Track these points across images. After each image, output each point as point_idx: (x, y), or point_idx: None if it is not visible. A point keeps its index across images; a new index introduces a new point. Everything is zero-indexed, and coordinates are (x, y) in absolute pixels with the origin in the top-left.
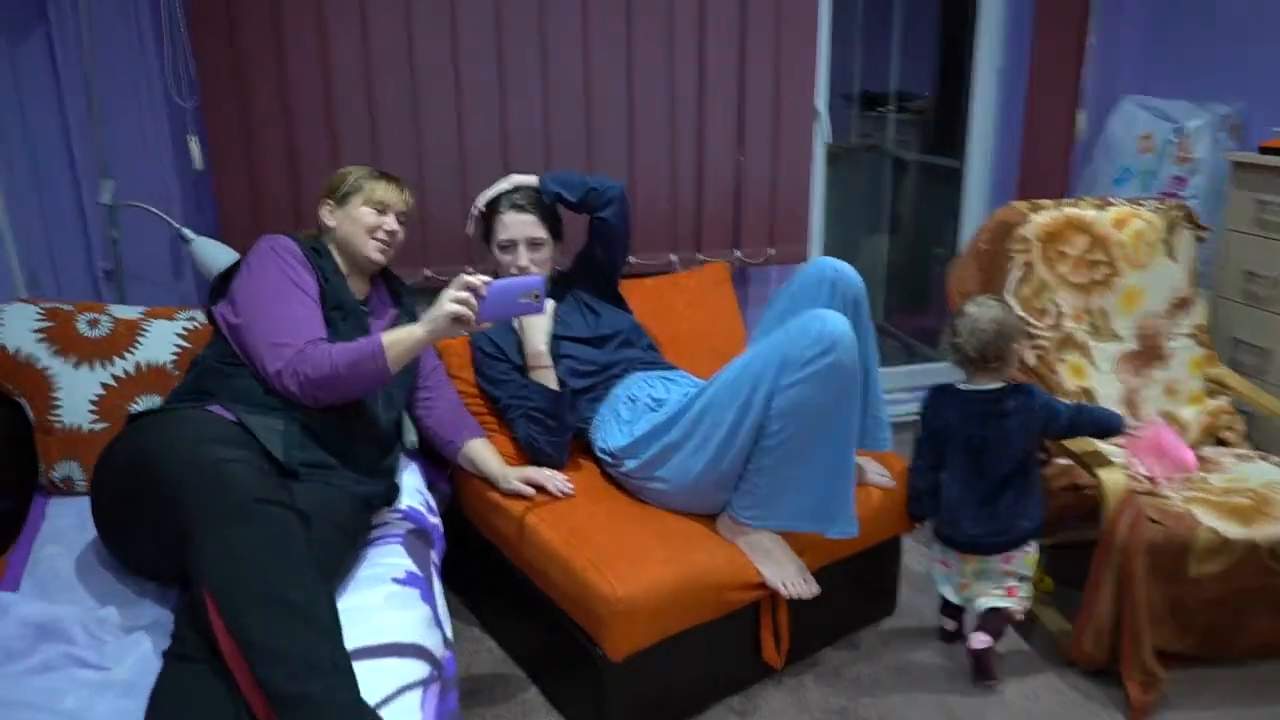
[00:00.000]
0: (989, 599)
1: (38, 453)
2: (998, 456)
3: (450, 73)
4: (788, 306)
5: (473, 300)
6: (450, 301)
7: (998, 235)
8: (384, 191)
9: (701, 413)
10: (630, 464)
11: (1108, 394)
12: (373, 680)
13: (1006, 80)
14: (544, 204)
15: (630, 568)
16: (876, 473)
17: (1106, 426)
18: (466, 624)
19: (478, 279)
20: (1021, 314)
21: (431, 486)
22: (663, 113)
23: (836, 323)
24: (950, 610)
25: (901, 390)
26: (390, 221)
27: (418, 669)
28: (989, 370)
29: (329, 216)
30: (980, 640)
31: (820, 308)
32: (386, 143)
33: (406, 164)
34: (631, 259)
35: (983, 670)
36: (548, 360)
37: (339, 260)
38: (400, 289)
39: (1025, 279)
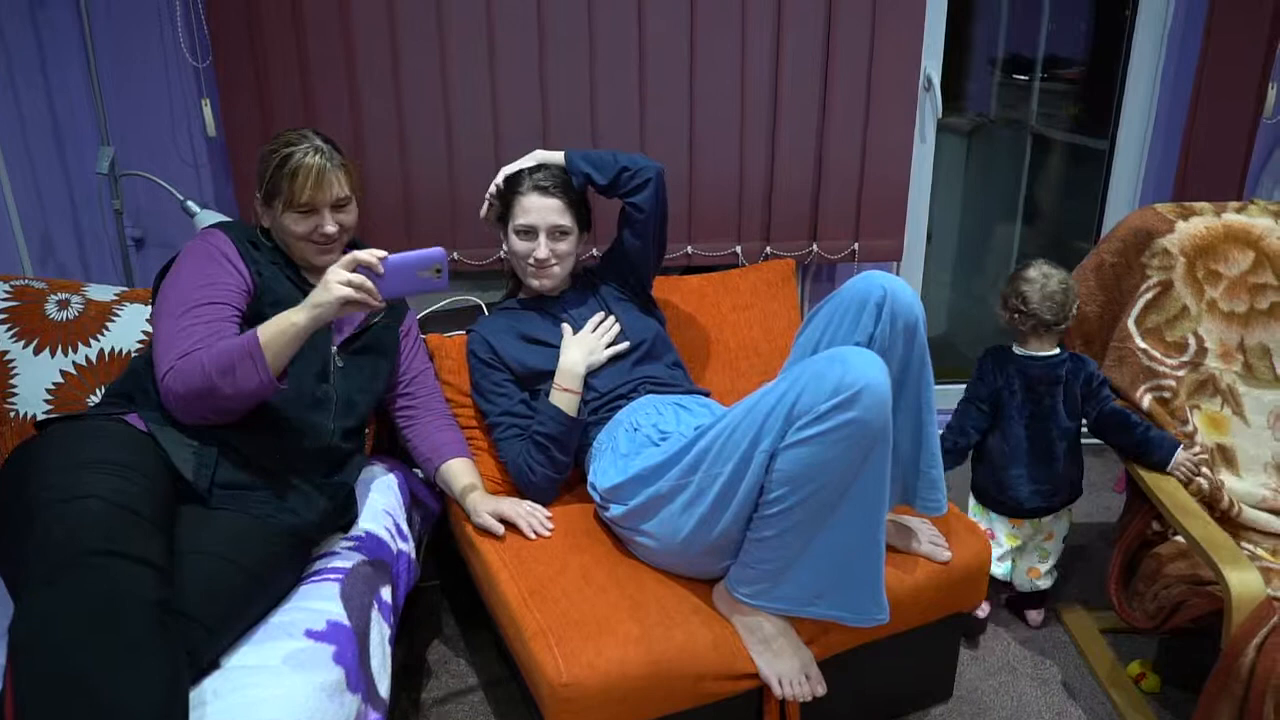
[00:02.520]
0: (1041, 579)
1: None
2: (1056, 421)
3: (484, 32)
4: (820, 332)
5: (367, 282)
6: (338, 284)
7: (1131, 246)
8: (307, 190)
9: (695, 462)
10: (616, 510)
11: (1256, 454)
12: None
13: (1174, 46)
14: (572, 188)
15: (588, 644)
16: (930, 540)
17: (1143, 449)
18: (454, 659)
19: (370, 254)
20: (1143, 346)
21: (414, 503)
22: (730, 77)
23: (864, 369)
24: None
25: None
26: (325, 222)
27: None
28: (1053, 334)
29: (261, 213)
30: (1034, 618)
31: (860, 337)
32: (411, 108)
33: (433, 134)
34: (689, 249)
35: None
36: (579, 385)
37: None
38: None
39: (1157, 302)
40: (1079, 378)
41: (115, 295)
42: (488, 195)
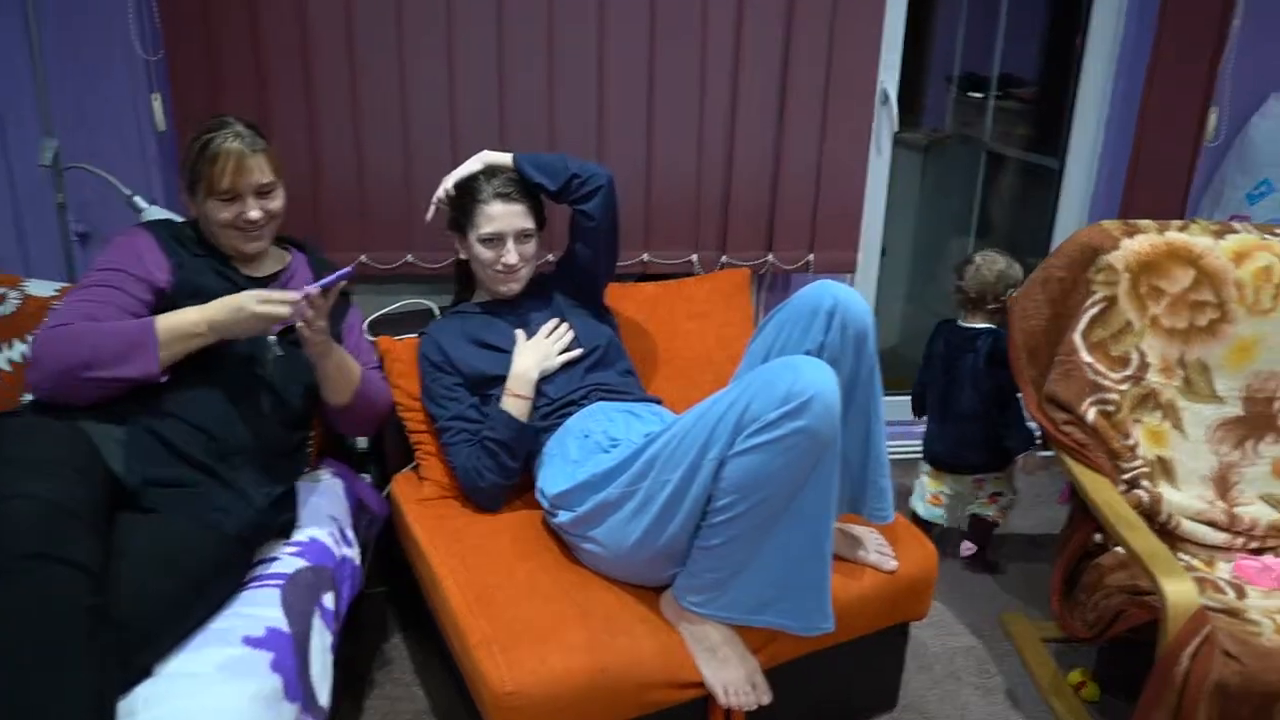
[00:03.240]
0: (973, 506)
1: None
2: (963, 389)
3: (443, 33)
4: (771, 340)
5: (307, 312)
6: (262, 304)
7: (1077, 261)
8: (229, 176)
9: (644, 469)
10: (564, 516)
11: (1194, 467)
12: None
13: (1123, 69)
14: (529, 190)
15: (532, 652)
16: (878, 549)
17: (1004, 431)
18: (400, 666)
19: (287, 296)
20: (1088, 360)
21: (360, 509)
22: (689, 84)
23: (813, 377)
24: (920, 524)
25: None
26: (248, 208)
27: None
28: (984, 312)
29: (188, 202)
30: (966, 549)
31: (811, 345)
32: (367, 107)
33: (390, 134)
34: (645, 256)
35: (981, 567)
36: (531, 391)
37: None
38: (318, 267)
39: (1102, 317)
40: (992, 348)
41: (55, 290)
42: (435, 201)
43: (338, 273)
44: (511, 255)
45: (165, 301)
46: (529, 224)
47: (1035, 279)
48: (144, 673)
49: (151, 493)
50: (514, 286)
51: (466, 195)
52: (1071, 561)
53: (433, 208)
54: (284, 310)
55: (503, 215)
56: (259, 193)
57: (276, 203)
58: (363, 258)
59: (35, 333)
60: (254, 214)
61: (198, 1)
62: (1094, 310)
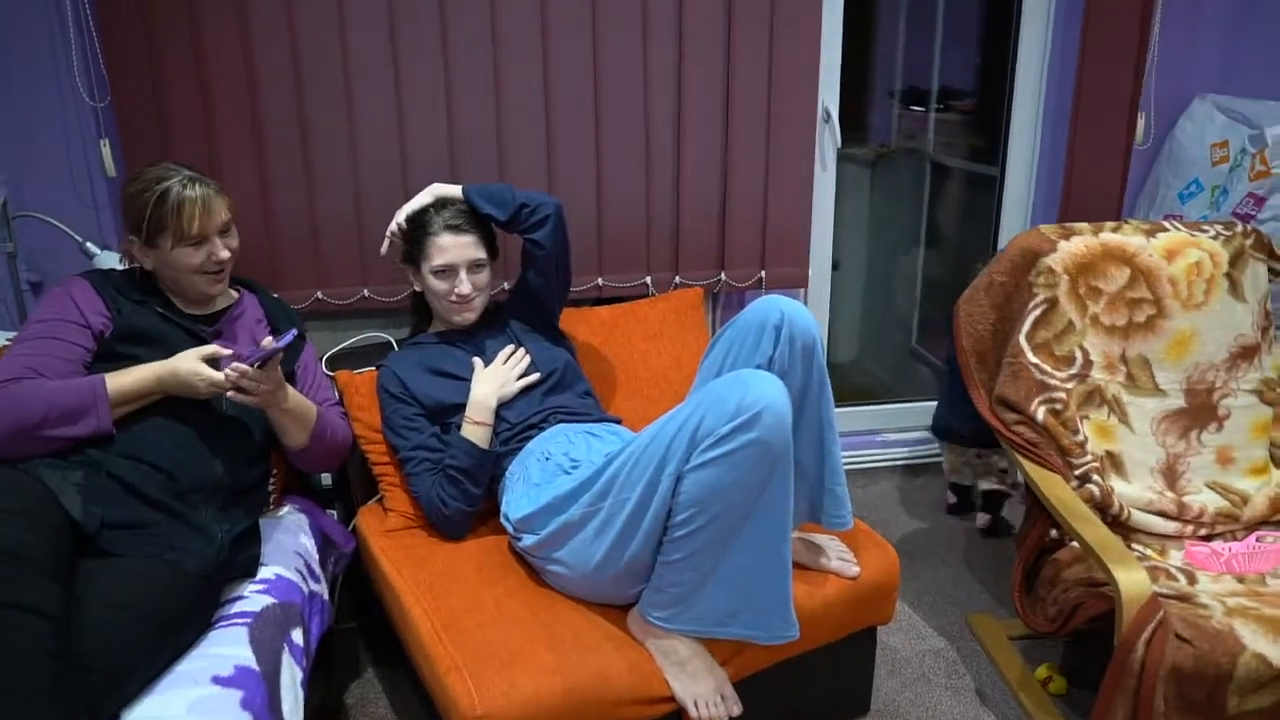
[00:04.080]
0: (984, 482)
1: None
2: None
3: (389, 68)
4: (722, 357)
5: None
6: (196, 378)
7: (1018, 265)
8: (196, 221)
9: (605, 488)
10: (528, 540)
11: (1142, 460)
12: None
13: (1053, 79)
14: (480, 220)
15: (502, 676)
16: (839, 556)
17: None
18: (374, 701)
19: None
20: (1035, 361)
21: (327, 544)
22: (634, 113)
23: (762, 390)
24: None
25: (925, 429)
26: (217, 249)
27: None
28: None
29: (141, 256)
30: (981, 520)
31: (760, 359)
32: (316, 147)
33: (340, 172)
34: (600, 281)
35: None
36: (491, 417)
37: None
38: (269, 304)
39: (1045, 319)
40: None
41: (6, 340)
42: (389, 234)
43: (273, 346)
44: (465, 285)
45: (104, 346)
46: (480, 254)
47: (979, 285)
48: (112, 718)
49: (110, 535)
50: (469, 316)
51: (418, 229)
52: (1030, 558)
53: (386, 241)
54: (220, 380)
55: (453, 246)
56: (222, 232)
57: (235, 241)
58: (318, 294)
59: None
60: (223, 254)
61: (142, 47)
62: (1037, 312)
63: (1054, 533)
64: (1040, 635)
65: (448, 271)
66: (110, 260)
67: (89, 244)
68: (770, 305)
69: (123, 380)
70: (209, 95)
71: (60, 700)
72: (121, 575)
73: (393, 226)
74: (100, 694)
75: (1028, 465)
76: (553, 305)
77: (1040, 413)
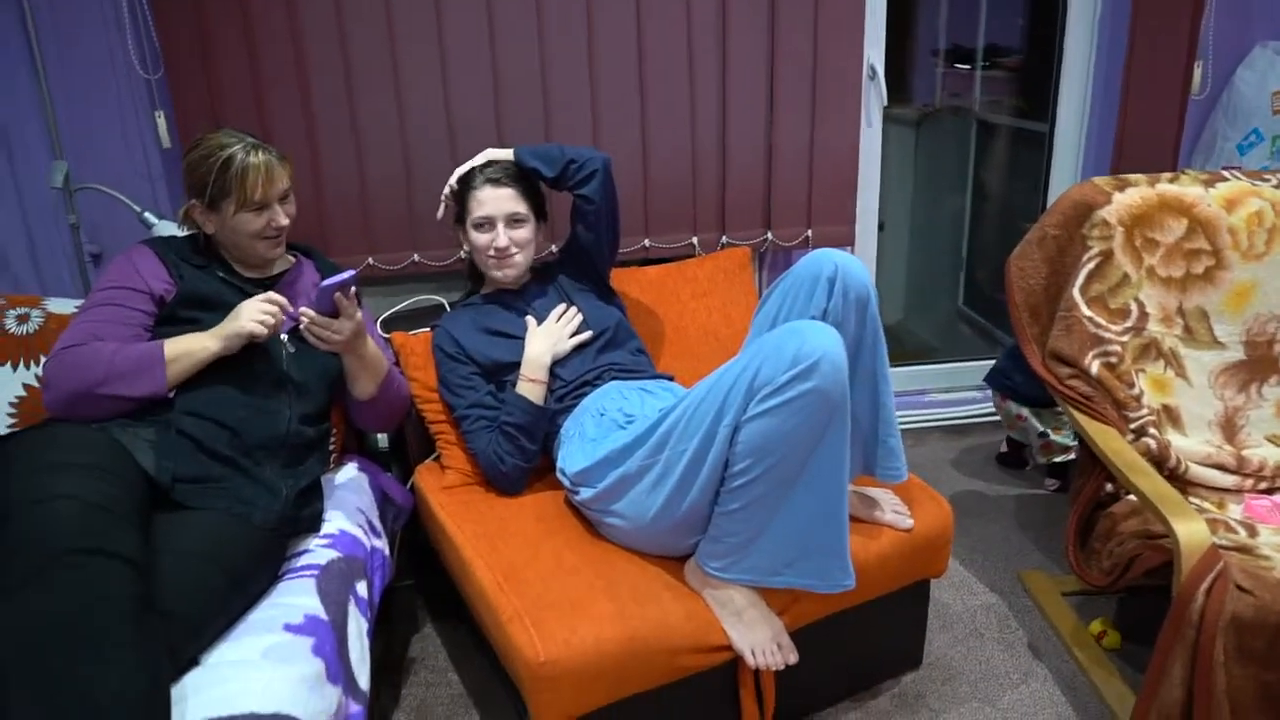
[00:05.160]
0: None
1: None
2: None
3: (435, 34)
4: (776, 310)
5: (280, 319)
6: (251, 321)
7: (1071, 218)
8: (260, 188)
9: (662, 441)
10: (585, 493)
11: (1200, 413)
12: None
13: (1105, 30)
14: (524, 177)
15: (563, 624)
16: (893, 509)
17: None
18: (433, 654)
19: (281, 299)
20: (1089, 314)
21: (386, 501)
22: (679, 74)
23: (819, 340)
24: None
25: (973, 388)
26: (276, 216)
27: None
28: None
29: (203, 221)
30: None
31: (814, 311)
32: (365, 113)
33: (389, 138)
34: (647, 242)
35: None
36: (545, 375)
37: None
38: (325, 269)
39: (1099, 272)
40: None
41: (74, 309)
42: (442, 197)
43: (332, 279)
44: (501, 238)
45: (167, 310)
46: (518, 208)
47: (1031, 239)
48: (191, 663)
49: (182, 489)
50: (509, 272)
51: (464, 186)
52: (1084, 512)
53: (442, 205)
54: (267, 323)
55: (491, 199)
56: (282, 199)
57: (293, 207)
58: (370, 259)
59: (47, 355)
60: (283, 220)
61: (193, 19)
62: (1090, 265)
63: (1109, 486)
64: (1094, 590)
65: (486, 224)
66: (168, 229)
67: (147, 214)
68: (824, 258)
69: (179, 344)
70: (258, 65)
71: (145, 642)
72: (194, 527)
73: (445, 189)
74: (179, 639)
75: (1082, 419)
76: (603, 262)
77: (1094, 366)
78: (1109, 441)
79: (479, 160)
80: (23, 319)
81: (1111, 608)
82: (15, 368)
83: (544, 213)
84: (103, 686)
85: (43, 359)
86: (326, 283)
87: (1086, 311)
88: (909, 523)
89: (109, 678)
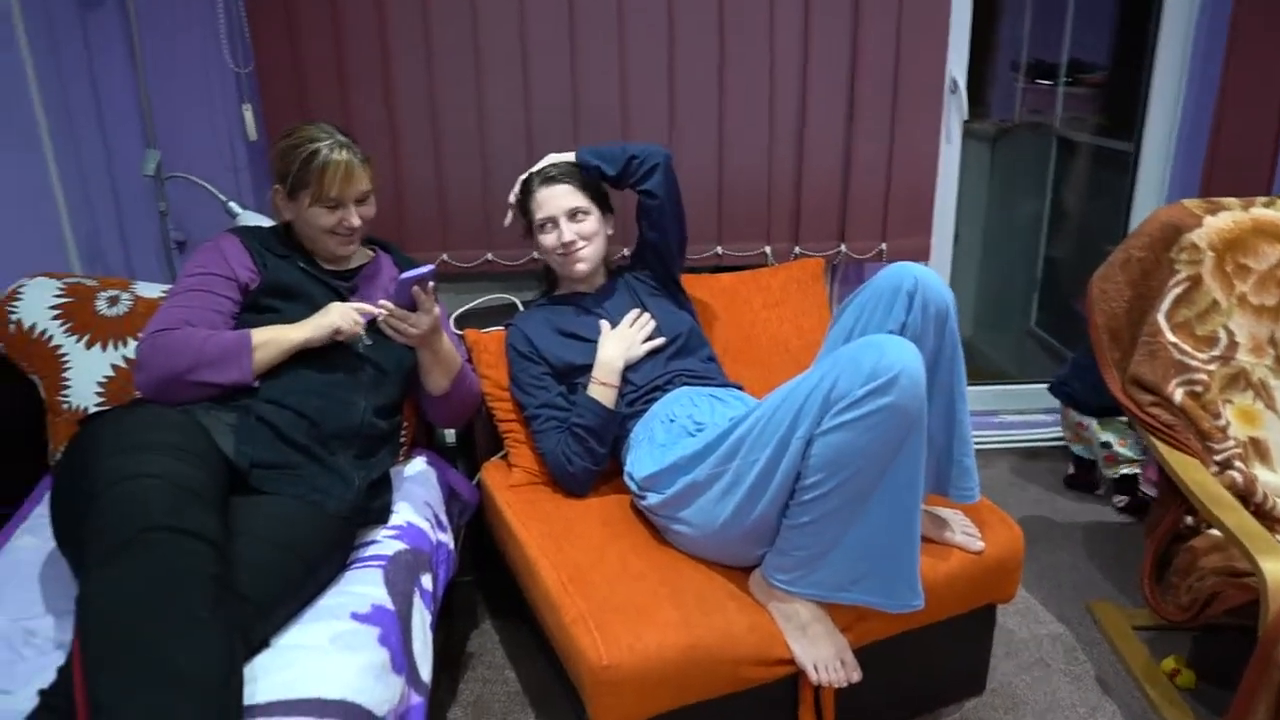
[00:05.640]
0: (1115, 469)
1: (48, 434)
2: None
3: (517, 39)
4: (853, 322)
5: (360, 326)
6: (342, 318)
7: (1158, 240)
8: (336, 185)
9: (733, 450)
10: (653, 498)
11: None
12: None
13: (1199, 48)
14: (580, 174)
15: (627, 629)
16: (964, 530)
17: None
18: (491, 650)
19: (372, 309)
20: (1174, 340)
21: (452, 496)
22: (758, 79)
23: (898, 354)
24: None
25: (1044, 411)
26: (349, 216)
27: None
28: None
29: (283, 206)
30: (1118, 500)
31: (893, 325)
32: (445, 114)
33: (468, 140)
34: (719, 249)
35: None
36: (617, 379)
37: (304, 240)
38: (402, 264)
39: (1187, 297)
40: None
41: (161, 293)
42: (509, 206)
43: (411, 273)
44: (566, 233)
45: (250, 298)
46: (578, 201)
47: (1114, 260)
48: (262, 644)
49: (260, 474)
50: (581, 267)
51: (524, 194)
52: (1162, 545)
53: (509, 214)
54: (352, 327)
55: (550, 197)
56: (359, 200)
57: (371, 210)
58: (444, 256)
59: (139, 336)
60: (354, 221)
61: (284, 16)
62: (1178, 290)
63: (1189, 519)
64: (1169, 626)
65: (549, 224)
66: (251, 219)
67: (232, 203)
68: (904, 271)
69: (267, 334)
70: (344, 61)
71: (222, 620)
72: (269, 512)
73: (510, 197)
74: (251, 620)
75: (1163, 448)
76: (672, 260)
77: (1178, 394)
78: (1191, 473)
79: (538, 165)
80: (113, 301)
81: (1187, 645)
82: (105, 348)
83: (609, 205)
84: (184, 663)
85: (130, 341)
86: (406, 275)
87: (1171, 337)
88: (979, 545)
89: (190, 655)
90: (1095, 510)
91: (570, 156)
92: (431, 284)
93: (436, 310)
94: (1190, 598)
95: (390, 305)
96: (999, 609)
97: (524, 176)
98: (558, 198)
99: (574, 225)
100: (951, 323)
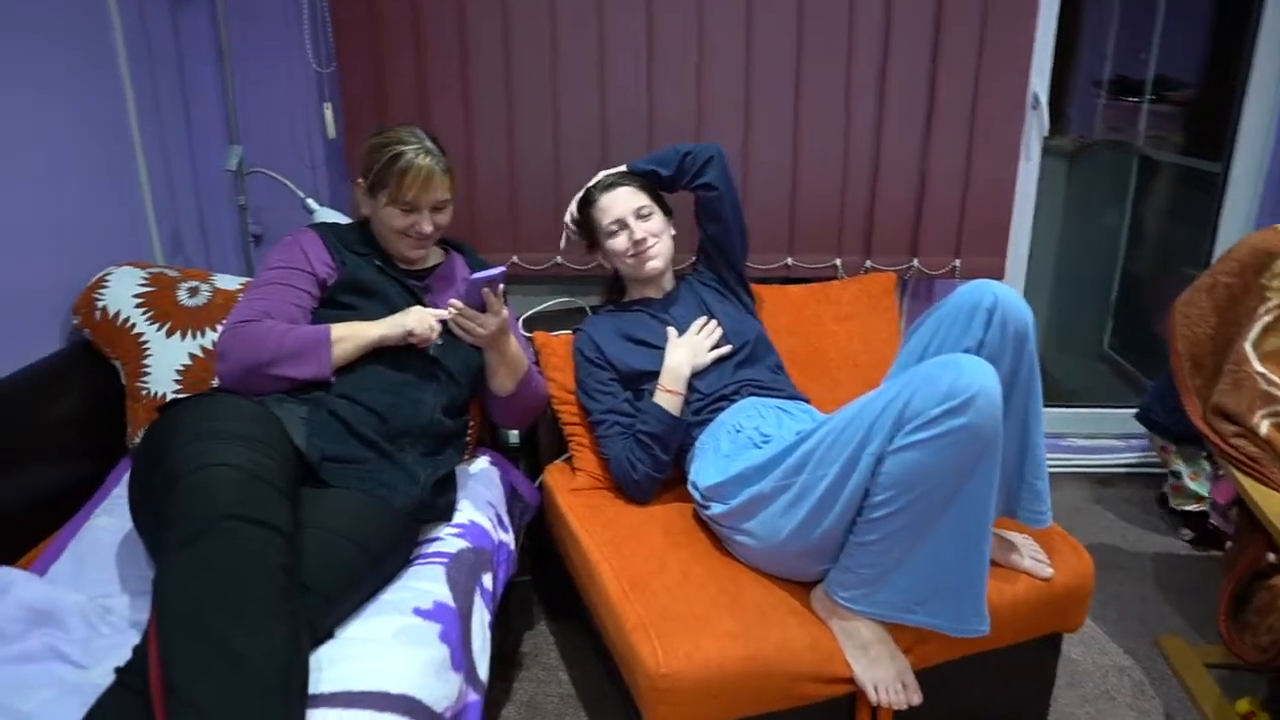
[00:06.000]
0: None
1: (127, 418)
2: None
3: (595, 46)
4: (929, 337)
5: (437, 332)
6: (418, 321)
7: (1249, 266)
8: (413, 190)
9: (800, 463)
10: (717, 509)
11: None
12: None
13: None
14: (636, 176)
15: (686, 638)
16: (1032, 555)
17: None
18: (546, 651)
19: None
20: (1261, 370)
21: (514, 496)
22: (836, 89)
23: (976, 374)
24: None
25: (1115, 437)
26: (422, 222)
27: None
28: None
29: (362, 201)
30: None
31: (969, 342)
32: (521, 120)
33: (541, 139)
34: (789, 260)
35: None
36: (683, 386)
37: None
38: (475, 265)
39: (1277, 326)
40: None
41: (239, 285)
42: (565, 224)
43: (479, 275)
44: (637, 231)
45: (327, 294)
46: (642, 200)
47: (1200, 285)
48: (326, 635)
49: (329, 467)
50: (654, 264)
51: (584, 209)
52: (1241, 582)
53: (564, 237)
54: (425, 332)
55: (614, 201)
56: (435, 208)
57: (446, 217)
58: (514, 258)
59: (221, 325)
60: (427, 228)
61: (367, 17)
62: (1268, 318)
63: (1271, 556)
64: (1244, 666)
65: (617, 227)
66: (327, 216)
67: (309, 200)
68: (983, 288)
69: (345, 329)
70: (423, 62)
71: (290, 610)
72: (337, 506)
73: (566, 217)
74: (317, 610)
75: (1245, 482)
76: (735, 254)
77: (1263, 426)
78: (1275, 508)
79: (592, 181)
80: (193, 292)
81: (1263, 687)
82: (184, 337)
83: (668, 207)
84: (252, 651)
85: (208, 331)
86: (475, 276)
87: (1259, 367)
88: (1048, 571)
89: (260, 643)
90: (1166, 541)
91: (622, 169)
92: (501, 286)
93: (505, 312)
94: (1270, 639)
95: (460, 304)
96: (1064, 638)
97: (579, 195)
98: (622, 200)
99: (643, 223)
100: (1030, 343)
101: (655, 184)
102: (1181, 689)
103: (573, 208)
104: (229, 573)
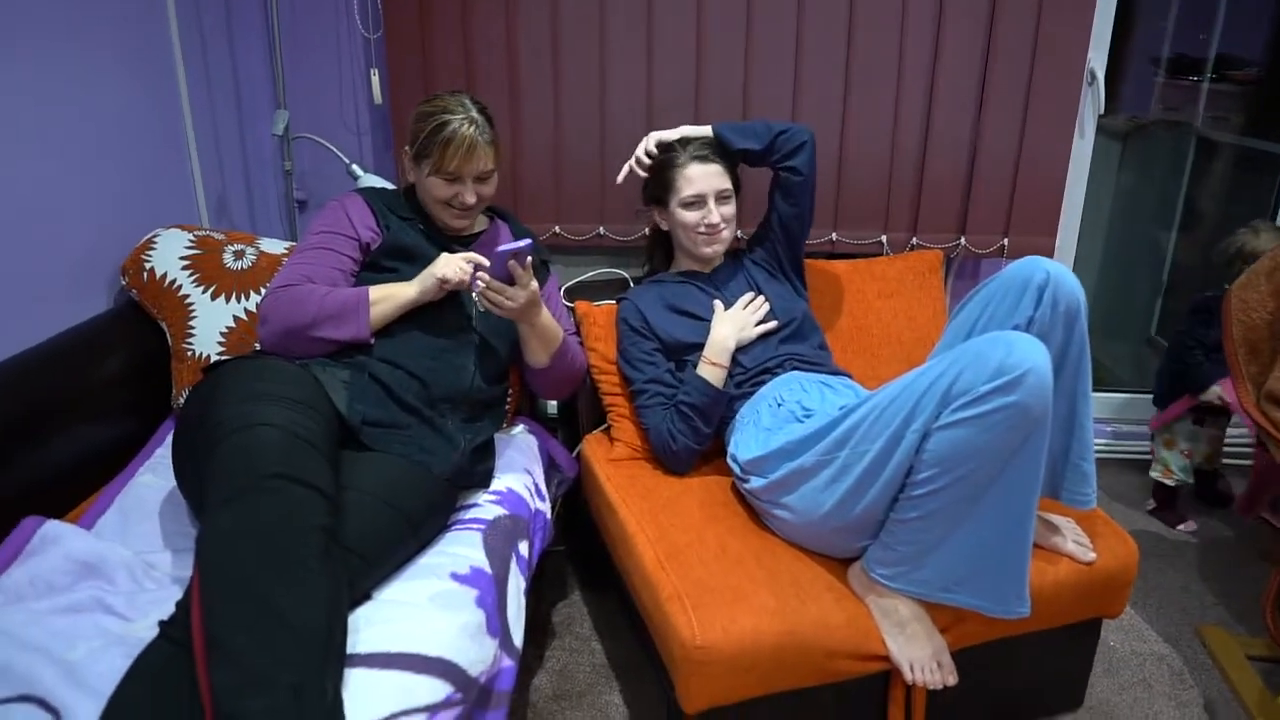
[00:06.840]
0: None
1: (172, 378)
2: None
3: (643, 9)
4: (979, 312)
5: (468, 277)
6: (446, 267)
7: None
8: (457, 160)
9: (843, 438)
10: (756, 482)
11: None
12: (368, 697)
13: None
14: (726, 153)
15: (722, 610)
16: (1075, 539)
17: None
18: (579, 621)
19: (481, 260)
20: None
21: (552, 466)
22: (888, 62)
23: (1027, 352)
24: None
25: None
26: (465, 193)
27: (432, 690)
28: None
29: (408, 168)
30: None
31: (1019, 319)
32: (567, 90)
33: (587, 109)
34: (834, 235)
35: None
36: (728, 360)
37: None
38: (518, 234)
39: None
40: None
41: (284, 249)
42: (633, 161)
43: (505, 247)
44: (714, 215)
45: (371, 258)
46: (727, 184)
47: (1259, 269)
48: (365, 597)
49: (370, 431)
50: (717, 248)
51: (663, 166)
52: None
53: (626, 169)
54: (458, 274)
55: (702, 176)
56: (478, 179)
57: (490, 188)
58: (556, 228)
59: (264, 289)
60: (470, 199)
61: None
62: None
63: None
64: None
65: (698, 202)
66: (373, 181)
67: (354, 165)
68: (1035, 264)
69: (383, 291)
70: (470, 29)
71: (331, 570)
72: (376, 469)
73: (639, 152)
74: (356, 571)
75: None
76: (799, 240)
77: None
78: None
79: (675, 135)
80: (239, 255)
81: None
82: (229, 300)
83: (739, 185)
84: (295, 607)
85: (252, 294)
86: (502, 248)
87: None
88: (1091, 555)
89: (301, 602)
90: (1210, 529)
91: (707, 131)
92: (529, 259)
93: (533, 285)
94: None
95: (487, 278)
96: (1104, 623)
97: (661, 137)
98: (711, 177)
99: (720, 207)
100: (1082, 321)
101: (741, 159)
102: (1222, 680)
103: (650, 144)
104: (271, 531)
